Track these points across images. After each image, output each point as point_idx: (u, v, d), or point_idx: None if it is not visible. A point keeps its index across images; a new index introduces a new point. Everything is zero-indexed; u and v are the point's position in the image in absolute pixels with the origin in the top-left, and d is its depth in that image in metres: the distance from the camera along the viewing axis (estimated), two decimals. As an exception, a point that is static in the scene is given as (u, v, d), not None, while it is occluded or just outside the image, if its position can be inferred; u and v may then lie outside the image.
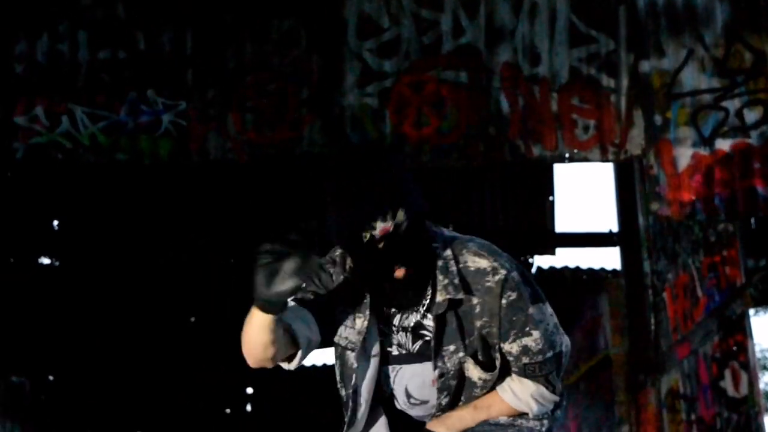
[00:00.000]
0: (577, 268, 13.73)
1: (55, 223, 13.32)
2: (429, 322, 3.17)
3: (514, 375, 3.19)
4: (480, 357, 3.16)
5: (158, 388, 15.78)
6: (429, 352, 3.17)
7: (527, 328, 3.14)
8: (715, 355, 8.82)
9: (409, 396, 3.27)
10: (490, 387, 3.21)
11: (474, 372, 3.18)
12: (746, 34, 8.59)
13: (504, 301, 3.11)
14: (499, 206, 12.59)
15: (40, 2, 8.55)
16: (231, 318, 14.60)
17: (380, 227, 2.98)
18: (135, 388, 15.65)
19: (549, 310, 3.22)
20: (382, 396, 3.26)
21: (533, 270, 14.04)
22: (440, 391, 3.18)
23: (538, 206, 12.76)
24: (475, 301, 3.12)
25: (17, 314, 13.52)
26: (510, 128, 8.54)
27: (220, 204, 12.04)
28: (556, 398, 3.23)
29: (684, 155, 8.39)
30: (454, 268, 3.13)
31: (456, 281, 3.11)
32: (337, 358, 3.30)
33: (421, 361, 3.21)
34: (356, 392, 3.22)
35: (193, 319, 15.12)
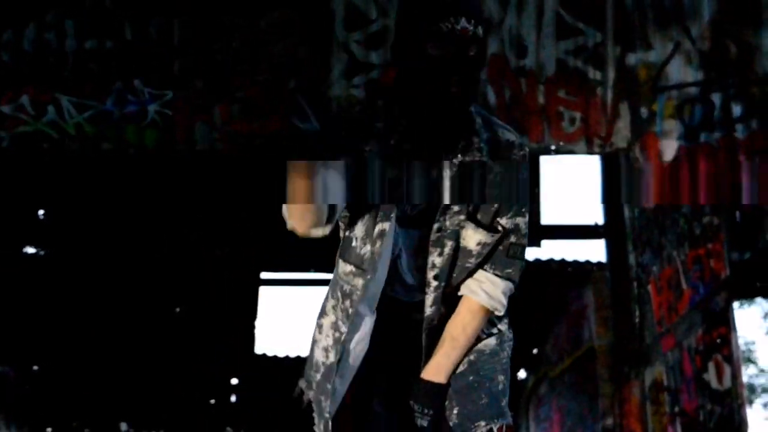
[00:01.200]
0: (563, 260, 13.75)
1: (41, 212, 13.30)
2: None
3: (481, 275, 3.17)
4: (481, 219, 3.15)
5: (143, 379, 15.75)
6: (429, 216, 3.14)
7: (523, 209, 3.19)
8: (699, 348, 8.86)
9: (400, 259, 3.22)
10: (485, 256, 3.16)
11: (473, 237, 3.16)
12: (732, 27, 8.62)
13: (521, 177, 3.14)
14: (484, 198, 12.59)
15: (27, -8, 8.54)
16: (216, 309, 14.62)
17: (462, 24, 2.94)
18: (120, 379, 15.62)
19: None
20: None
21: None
22: (434, 245, 3.15)
23: (524, 198, 12.78)
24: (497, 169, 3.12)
25: (2, 304, 13.50)
26: (496, 120, 8.55)
27: (207, 194, 12.03)
28: (513, 291, 3.24)
29: (670, 148, 8.42)
30: (485, 134, 3.13)
31: (487, 147, 3.11)
32: (363, 214, 3.21)
33: (416, 227, 3.18)
34: (377, 241, 3.15)
35: (178, 310, 15.11)
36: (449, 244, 3.15)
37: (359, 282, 3.17)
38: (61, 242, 13.41)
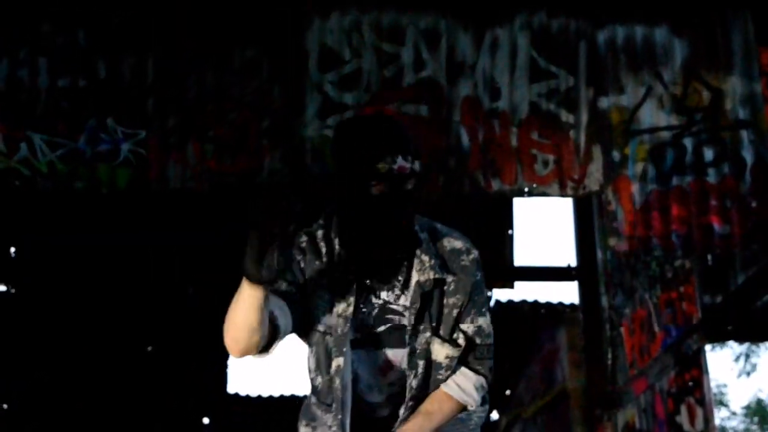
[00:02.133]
0: (536, 301, 13.76)
1: (12, 250, 13.22)
2: (398, 304, 3.23)
3: (455, 369, 3.25)
4: (444, 335, 3.22)
5: (114, 418, 15.63)
6: (391, 337, 3.23)
7: (483, 309, 3.27)
8: (672, 390, 8.86)
9: (357, 382, 3.28)
10: (453, 368, 3.24)
11: (441, 351, 3.22)
12: (704, 72, 8.68)
13: (474, 280, 3.23)
14: (458, 239, 12.59)
15: (0, 28, 8.50)
16: (188, 347, 14.54)
17: (400, 163, 3.03)
18: (90, 419, 15.50)
19: None
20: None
21: (492, 303, 14.05)
22: (410, 368, 3.21)
23: (498, 239, 12.80)
24: (450, 279, 3.21)
25: (-29, 342, 13.40)
26: (470, 161, 8.56)
27: (180, 231, 11.98)
28: (486, 387, 3.31)
29: (642, 191, 8.44)
30: (433, 249, 3.22)
31: (438, 261, 3.20)
32: (312, 345, 3.28)
33: (378, 348, 3.25)
34: (335, 378, 3.21)
35: (150, 348, 15.02)
36: (421, 364, 3.23)
37: (328, 418, 3.25)
38: (32, 280, 13.33)
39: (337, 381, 3.18)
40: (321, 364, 3.25)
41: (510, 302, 13.87)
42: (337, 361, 3.19)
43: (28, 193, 8.57)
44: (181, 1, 8.70)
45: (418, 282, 3.19)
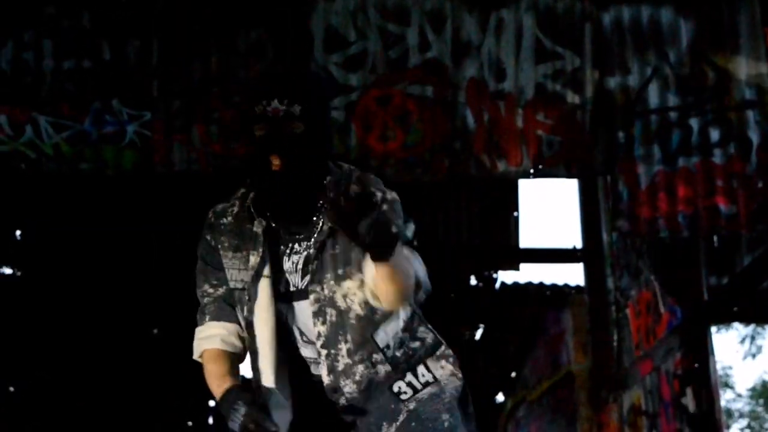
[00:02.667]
0: (541, 283, 13.78)
1: (18, 233, 13.24)
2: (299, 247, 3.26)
3: None
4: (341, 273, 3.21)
5: (120, 401, 15.67)
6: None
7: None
8: (677, 372, 8.87)
9: (301, 334, 3.30)
10: (381, 315, 3.24)
11: (357, 295, 3.21)
12: (710, 52, 8.64)
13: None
14: (463, 221, 12.61)
15: (5, 11, 8.48)
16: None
17: (274, 106, 3.08)
18: (96, 401, 15.54)
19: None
20: (283, 338, 3.29)
21: (497, 285, 14.07)
22: (315, 316, 3.21)
23: (503, 221, 12.80)
24: None
25: (-23, 325, 13.42)
26: (475, 143, 8.55)
27: (186, 215, 11.98)
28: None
29: (647, 172, 8.42)
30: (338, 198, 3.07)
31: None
32: (236, 303, 3.33)
33: (298, 299, 3.26)
34: (248, 331, 3.29)
35: (155, 331, 15.05)
36: (330, 312, 3.22)
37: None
38: (38, 263, 13.35)
39: (246, 334, 3.31)
40: (246, 322, 3.32)
41: (515, 284, 13.88)
42: (248, 317, 3.28)
43: (33, 175, 8.57)
44: (186, -17, 8.69)
45: (321, 230, 3.22)
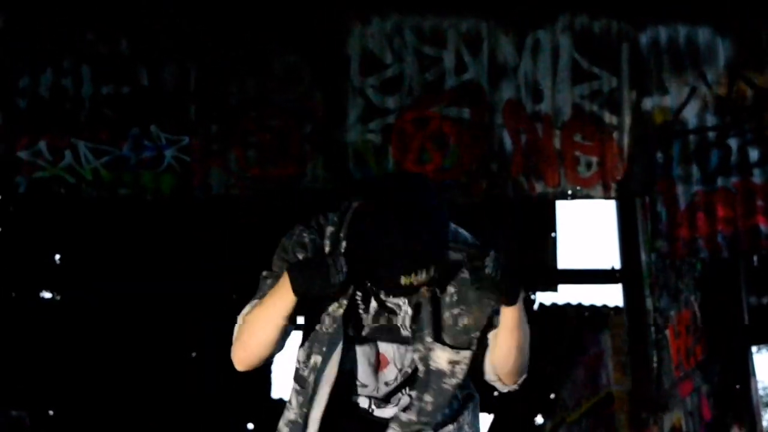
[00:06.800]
0: (580, 304, 13.72)
1: (57, 257, 13.33)
2: (391, 302, 3.19)
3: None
4: (448, 341, 3.16)
5: (159, 424, 15.72)
6: (384, 333, 3.19)
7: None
8: (718, 394, 8.80)
9: (354, 378, 3.25)
10: (464, 374, 3.20)
11: (442, 357, 3.16)
12: (748, 71, 8.61)
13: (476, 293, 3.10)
14: (501, 243, 12.59)
15: (45, 37, 8.57)
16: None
17: (420, 279, 2.96)
18: (135, 424, 15.59)
19: None
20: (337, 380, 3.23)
21: (535, 307, 14.03)
22: (403, 366, 3.20)
23: (541, 243, 12.77)
24: (452, 290, 3.15)
25: (18, 348, 13.51)
26: (512, 165, 8.54)
27: (223, 239, 12.03)
28: None
29: (686, 193, 8.39)
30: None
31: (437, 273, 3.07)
32: (303, 337, 3.29)
33: (371, 343, 3.21)
34: (311, 374, 3.21)
35: (194, 354, 15.10)
36: (421, 369, 3.20)
37: (295, 406, 3.31)
38: (78, 287, 13.43)
39: (312, 377, 3.18)
40: (309, 358, 3.23)
41: (554, 305, 13.83)
42: (315, 359, 3.17)
43: (72, 200, 8.63)
44: (222, 8, 8.74)
45: (419, 291, 3.14)
